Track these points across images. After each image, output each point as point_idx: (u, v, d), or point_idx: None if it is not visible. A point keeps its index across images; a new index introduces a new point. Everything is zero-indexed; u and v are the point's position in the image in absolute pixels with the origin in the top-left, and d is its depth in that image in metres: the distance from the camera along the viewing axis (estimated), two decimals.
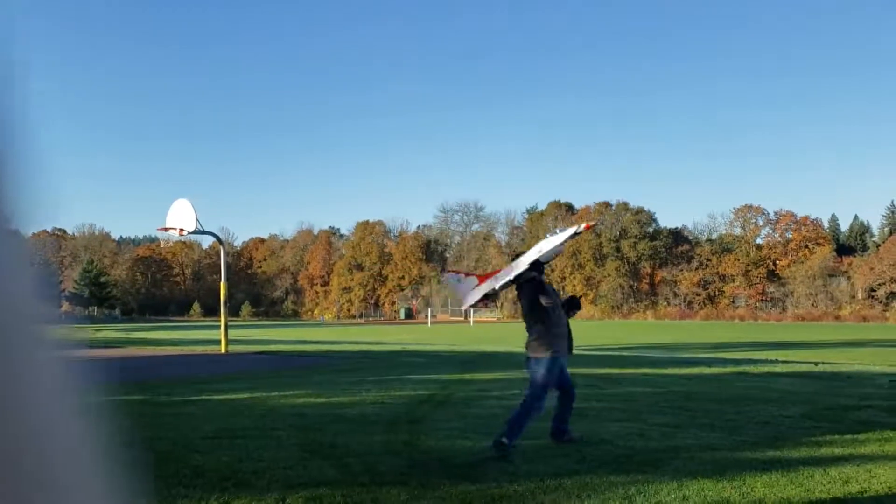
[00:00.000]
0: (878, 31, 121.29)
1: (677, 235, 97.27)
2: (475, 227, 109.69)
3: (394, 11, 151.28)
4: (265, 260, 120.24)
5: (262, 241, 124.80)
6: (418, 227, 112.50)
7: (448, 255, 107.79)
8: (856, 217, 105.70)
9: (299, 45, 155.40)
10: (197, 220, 21.81)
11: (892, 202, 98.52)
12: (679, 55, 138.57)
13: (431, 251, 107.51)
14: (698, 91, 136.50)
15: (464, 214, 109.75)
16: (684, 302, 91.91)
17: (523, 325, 7.03)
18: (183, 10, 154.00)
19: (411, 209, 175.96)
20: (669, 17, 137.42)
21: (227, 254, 25.19)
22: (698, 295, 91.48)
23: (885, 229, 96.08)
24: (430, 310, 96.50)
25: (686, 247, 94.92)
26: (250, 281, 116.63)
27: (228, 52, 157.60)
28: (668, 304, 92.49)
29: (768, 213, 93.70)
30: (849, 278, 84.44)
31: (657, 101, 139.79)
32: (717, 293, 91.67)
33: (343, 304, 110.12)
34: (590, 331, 42.43)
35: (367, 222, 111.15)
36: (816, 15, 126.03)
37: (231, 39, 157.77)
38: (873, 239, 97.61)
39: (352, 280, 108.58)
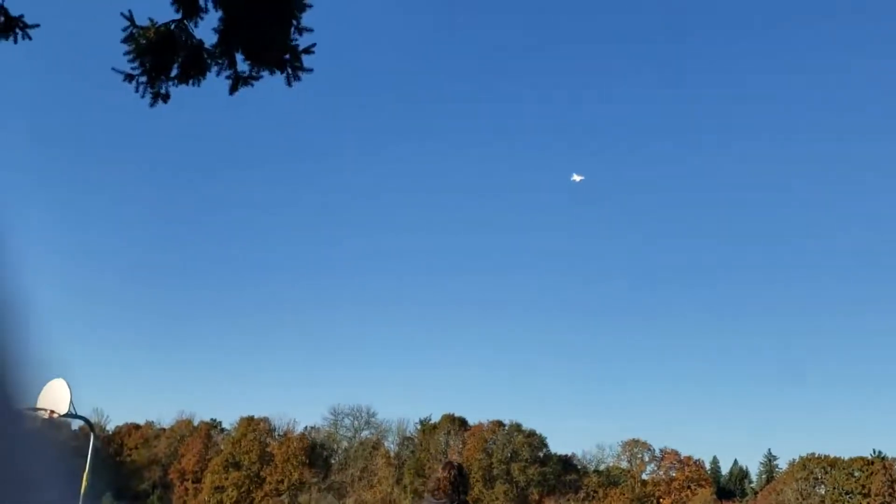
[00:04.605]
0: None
1: (566, 463, 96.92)
2: (365, 433, 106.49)
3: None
4: (136, 448, 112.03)
5: (137, 427, 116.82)
6: (306, 427, 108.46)
7: (333, 462, 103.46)
8: (735, 462, 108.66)
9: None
10: (72, 402, 20.66)
11: (769, 451, 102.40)
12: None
13: (316, 455, 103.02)
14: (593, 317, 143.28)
15: (354, 419, 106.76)
16: None
17: None
18: None
19: (299, 407, 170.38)
20: None
21: (96, 437, 23.64)
22: None
23: (763, 476, 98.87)
24: None
25: (574, 476, 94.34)
26: (117, 470, 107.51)
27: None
28: None
29: (654, 450, 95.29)
30: None
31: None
32: None
33: None
34: None
35: (251, 418, 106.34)
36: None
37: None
38: (751, 485, 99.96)
39: (226, 479, 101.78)
